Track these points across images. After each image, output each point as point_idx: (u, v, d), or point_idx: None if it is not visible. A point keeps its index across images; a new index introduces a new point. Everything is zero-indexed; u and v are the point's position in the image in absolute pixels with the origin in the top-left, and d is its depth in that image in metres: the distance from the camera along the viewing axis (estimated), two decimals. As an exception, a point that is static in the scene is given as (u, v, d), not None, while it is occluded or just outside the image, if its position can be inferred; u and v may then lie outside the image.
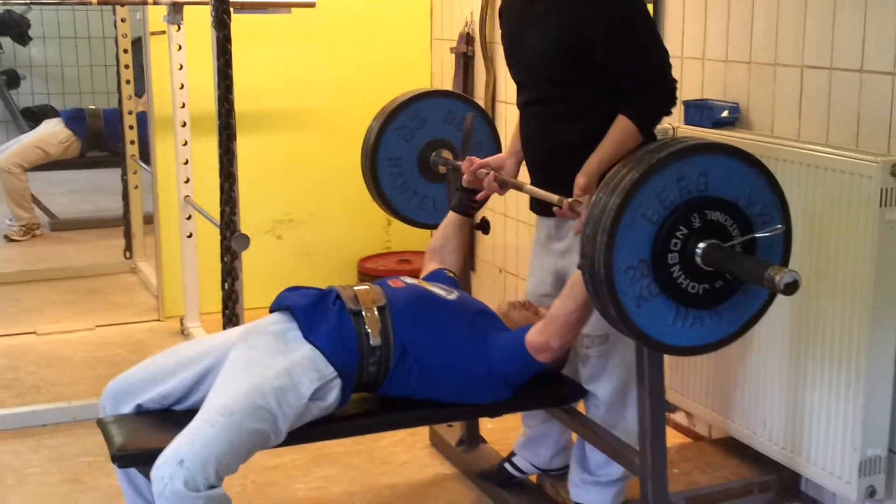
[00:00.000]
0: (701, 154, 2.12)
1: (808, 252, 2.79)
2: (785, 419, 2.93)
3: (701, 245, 2.12)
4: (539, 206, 2.79)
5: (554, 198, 2.58)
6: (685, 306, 2.17)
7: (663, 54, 2.61)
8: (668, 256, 2.12)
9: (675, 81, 2.61)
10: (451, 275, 2.89)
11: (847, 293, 2.69)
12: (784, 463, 2.97)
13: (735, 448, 3.19)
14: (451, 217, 3.00)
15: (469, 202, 2.98)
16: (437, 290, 2.69)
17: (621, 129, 2.56)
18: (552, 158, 2.73)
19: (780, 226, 2.20)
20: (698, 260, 2.12)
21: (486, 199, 3.08)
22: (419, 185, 3.22)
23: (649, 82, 2.58)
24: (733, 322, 2.26)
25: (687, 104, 3.22)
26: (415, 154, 3.19)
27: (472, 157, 2.94)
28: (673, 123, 3.24)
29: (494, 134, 3.26)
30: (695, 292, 2.16)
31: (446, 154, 3.17)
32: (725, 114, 3.14)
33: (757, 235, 2.17)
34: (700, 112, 3.16)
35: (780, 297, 2.87)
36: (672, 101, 2.61)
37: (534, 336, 2.52)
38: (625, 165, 2.11)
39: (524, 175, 2.90)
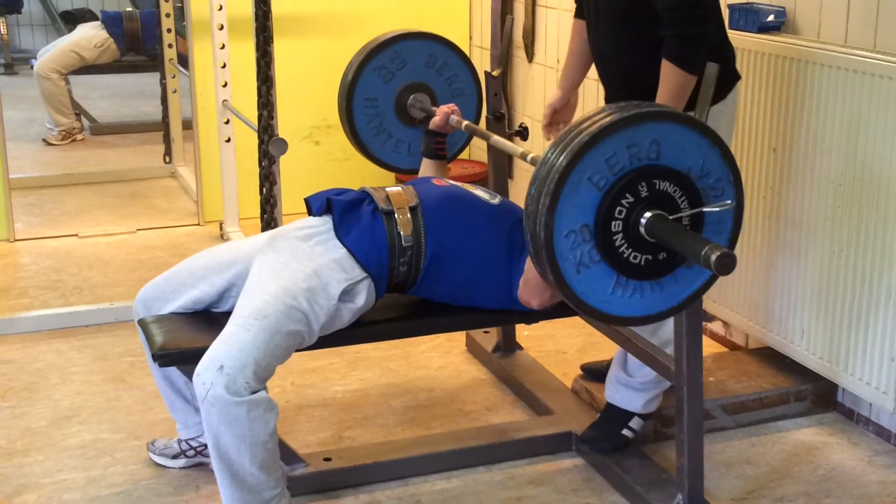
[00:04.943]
0: (654, 121, 2.01)
1: (853, 160, 2.75)
2: (823, 329, 2.91)
3: (646, 215, 2.02)
4: None
5: (518, 150, 2.55)
6: (626, 276, 2.09)
7: None
8: (612, 224, 2.03)
9: (702, 8, 2.46)
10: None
11: (891, 203, 2.65)
12: (821, 373, 2.97)
13: (771, 357, 3.19)
14: (426, 164, 2.98)
15: (435, 145, 2.95)
16: (479, 192, 2.67)
17: (665, 76, 2.47)
18: (618, 82, 2.70)
19: (729, 201, 2.10)
20: (642, 230, 2.03)
21: (463, 147, 3.12)
22: (394, 129, 3.15)
23: (671, 9, 2.45)
24: (675, 296, 2.16)
25: (732, 8, 3.14)
26: (392, 96, 3.12)
27: (452, 105, 2.93)
28: (717, 28, 3.17)
29: (476, 82, 3.20)
30: (637, 262, 2.07)
31: (425, 99, 3.11)
32: (771, 18, 3.07)
33: (705, 210, 2.08)
34: (745, 16, 3.09)
35: (823, 206, 2.86)
36: (698, 29, 2.45)
37: (520, 291, 2.53)
38: (577, 126, 2.03)
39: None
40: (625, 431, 2.80)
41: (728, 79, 2.67)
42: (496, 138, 2.72)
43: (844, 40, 2.91)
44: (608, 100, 2.77)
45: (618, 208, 2.02)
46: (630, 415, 2.80)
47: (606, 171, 2.00)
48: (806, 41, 2.95)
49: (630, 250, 2.06)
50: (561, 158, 1.98)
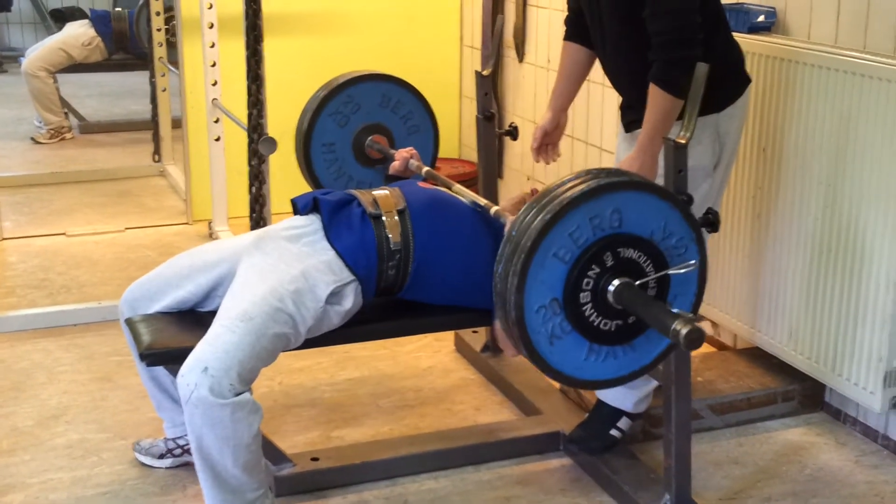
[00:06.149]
0: (614, 192, 2.03)
1: (843, 160, 2.75)
2: (811, 330, 2.91)
3: (614, 283, 2.04)
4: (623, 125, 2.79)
5: (481, 202, 2.58)
6: (598, 343, 2.10)
7: (685, 7, 2.45)
8: (581, 296, 2.04)
9: (691, 33, 2.43)
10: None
11: (880, 202, 2.65)
12: (809, 373, 2.97)
13: (760, 358, 3.19)
14: None
15: None
16: (461, 197, 2.67)
17: (652, 99, 2.47)
18: (633, 98, 2.70)
19: (692, 262, 2.11)
20: (610, 298, 2.05)
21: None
22: (354, 171, 3.18)
23: (659, 34, 2.45)
24: (646, 355, 2.18)
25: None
26: (350, 139, 3.15)
27: (410, 148, 2.94)
28: (707, 28, 3.17)
29: (431, 117, 3.22)
30: (607, 329, 2.09)
31: (380, 139, 3.14)
32: (762, 18, 3.07)
33: (670, 272, 2.09)
34: (736, 17, 3.09)
35: (812, 206, 2.86)
36: (685, 53, 2.42)
37: (496, 332, 2.52)
38: (539, 201, 2.03)
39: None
40: (613, 431, 2.80)
41: (739, 82, 2.67)
42: (458, 187, 2.72)
43: (835, 41, 2.91)
44: (623, 105, 2.77)
45: (585, 280, 2.04)
46: (619, 414, 2.80)
47: (571, 244, 2.01)
48: (796, 42, 2.95)
49: (600, 318, 2.07)
50: (525, 237, 2.00)
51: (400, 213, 2.52)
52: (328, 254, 2.45)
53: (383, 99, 3.17)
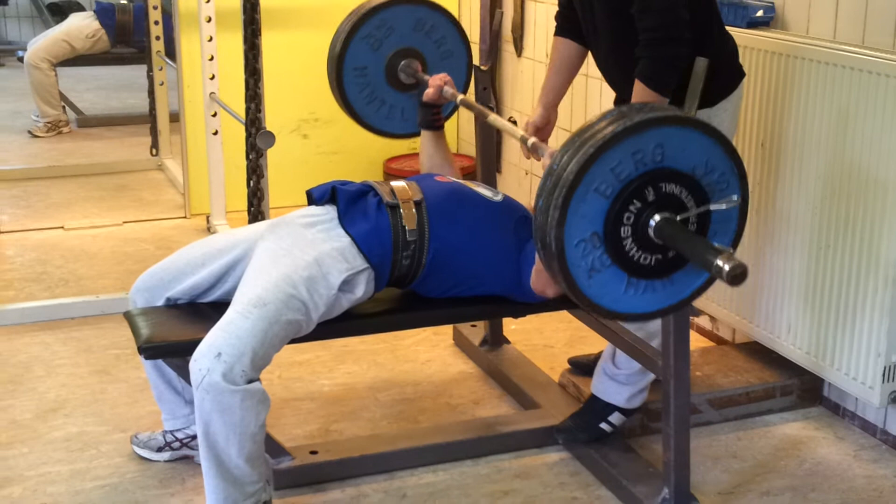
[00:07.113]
0: (657, 127, 2.01)
1: (841, 155, 2.76)
2: (810, 324, 2.92)
3: (655, 218, 2.04)
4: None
5: (518, 133, 2.56)
6: (637, 276, 2.10)
7: (673, 5, 2.44)
8: (621, 230, 2.04)
9: (678, 31, 2.43)
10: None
11: (878, 197, 2.66)
12: (807, 367, 2.97)
13: (758, 352, 3.20)
14: (424, 135, 2.96)
15: (432, 117, 2.93)
16: (482, 189, 2.67)
17: (636, 96, 2.47)
18: (616, 83, 2.72)
19: (735, 197, 2.11)
20: (651, 233, 2.05)
21: (453, 111, 3.08)
22: (387, 95, 3.13)
23: (647, 31, 2.45)
24: (685, 288, 2.18)
25: (721, 4, 3.13)
26: (382, 63, 3.09)
27: (444, 75, 2.89)
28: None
29: (465, 42, 3.17)
30: (647, 263, 2.09)
31: (415, 64, 3.09)
32: (760, 13, 3.07)
33: (712, 208, 2.09)
34: (734, 11, 3.09)
35: (810, 201, 2.86)
36: (672, 51, 2.42)
37: (533, 282, 2.52)
38: (581, 135, 2.02)
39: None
40: (603, 425, 2.80)
41: (732, 76, 2.66)
42: (493, 117, 2.69)
43: (833, 36, 2.91)
44: (618, 101, 2.76)
45: (626, 214, 2.03)
46: (612, 409, 2.80)
47: (613, 179, 2.01)
48: (795, 37, 2.96)
49: (640, 252, 2.07)
50: (567, 171, 1.99)
51: (417, 204, 2.52)
52: (342, 240, 2.46)
53: (417, 23, 3.09)
